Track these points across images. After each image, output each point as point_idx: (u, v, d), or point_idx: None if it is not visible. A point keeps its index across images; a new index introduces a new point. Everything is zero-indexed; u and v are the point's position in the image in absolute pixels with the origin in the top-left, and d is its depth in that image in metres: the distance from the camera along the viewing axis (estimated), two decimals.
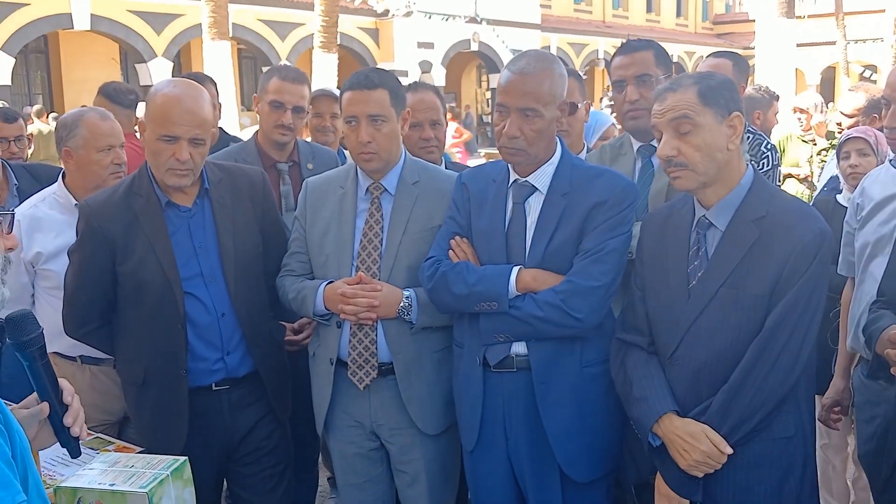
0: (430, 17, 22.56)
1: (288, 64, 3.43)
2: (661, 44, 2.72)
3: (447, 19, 23.15)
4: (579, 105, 3.03)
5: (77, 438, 1.55)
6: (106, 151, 2.84)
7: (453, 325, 2.45)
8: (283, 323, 2.88)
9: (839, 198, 3.36)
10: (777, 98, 5.42)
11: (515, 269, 2.25)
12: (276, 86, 3.14)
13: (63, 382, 1.55)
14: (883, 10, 28.17)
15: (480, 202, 2.38)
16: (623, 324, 2.25)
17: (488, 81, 27.47)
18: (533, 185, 2.31)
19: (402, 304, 2.41)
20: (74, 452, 1.57)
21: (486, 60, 25.86)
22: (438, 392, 2.50)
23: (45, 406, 1.51)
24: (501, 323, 2.25)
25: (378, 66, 2.63)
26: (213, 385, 2.52)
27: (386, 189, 2.53)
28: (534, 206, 2.31)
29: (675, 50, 29.04)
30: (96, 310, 2.54)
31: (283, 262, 2.65)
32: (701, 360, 2.02)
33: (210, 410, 2.51)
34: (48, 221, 2.80)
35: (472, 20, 23.67)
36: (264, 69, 21.73)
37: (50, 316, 2.64)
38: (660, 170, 2.58)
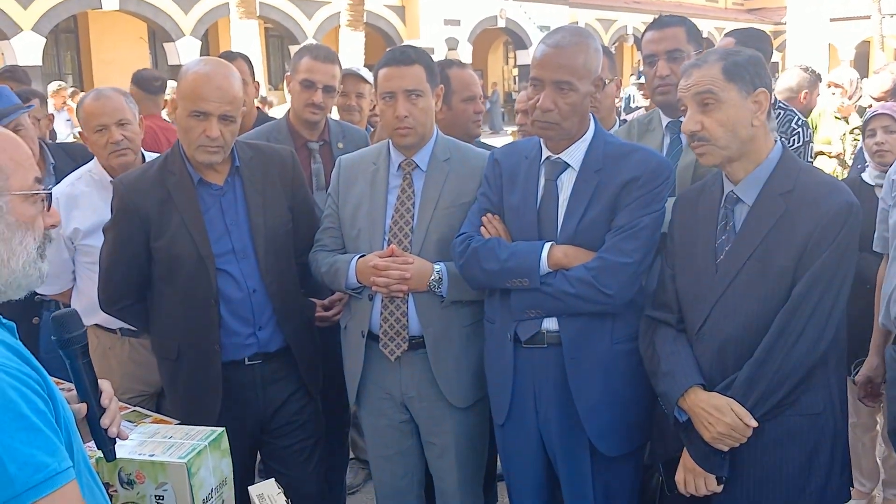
0: None
1: (319, 43, 3.40)
2: (691, 20, 2.71)
3: None
4: (608, 81, 3.03)
5: (113, 441, 1.56)
6: (101, 132, 2.85)
7: (484, 300, 2.48)
8: (313, 300, 2.93)
9: (864, 176, 3.32)
10: (820, 79, 5.34)
11: (547, 246, 2.27)
12: (307, 65, 3.17)
13: (103, 384, 1.57)
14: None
15: (512, 179, 2.40)
16: (653, 301, 2.27)
17: (515, 58, 27.27)
18: (566, 162, 2.32)
19: (432, 278, 2.45)
20: (110, 455, 1.56)
21: (514, 37, 25.65)
22: (467, 366, 2.54)
23: (83, 407, 1.52)
24: (533, 299, 2.28)
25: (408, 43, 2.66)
26: (246, 360, 2.58)
27: (418, 165, 2.56)
28: (566, 182, 2.32)
29: (705, 26, 28.51)
30: (131, 286, 2.61)
31: (315, 237, 2.70)
32: (727, 334, 2.04)
33: (243, 384, 2.58)
34: (85, 198, 2.87)
35: None
36: (291, 48, 21.71)
37: (91, 289, 2.72)
38: (688, 145, 2.58)
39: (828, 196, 1.97)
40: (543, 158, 2.36)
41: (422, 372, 2.52)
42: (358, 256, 2.54)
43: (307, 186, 2.87)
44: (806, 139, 3.31)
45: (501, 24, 24.51)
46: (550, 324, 2.32)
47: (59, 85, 11.05)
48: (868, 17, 24.47)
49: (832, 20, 12.83)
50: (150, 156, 2.93)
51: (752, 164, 2.05)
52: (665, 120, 2.68)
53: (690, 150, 2.54)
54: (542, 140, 2.37)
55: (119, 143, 2.85)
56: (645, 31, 2.71)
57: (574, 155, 2.32)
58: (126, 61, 18.12)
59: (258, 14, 13.71)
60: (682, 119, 2.63)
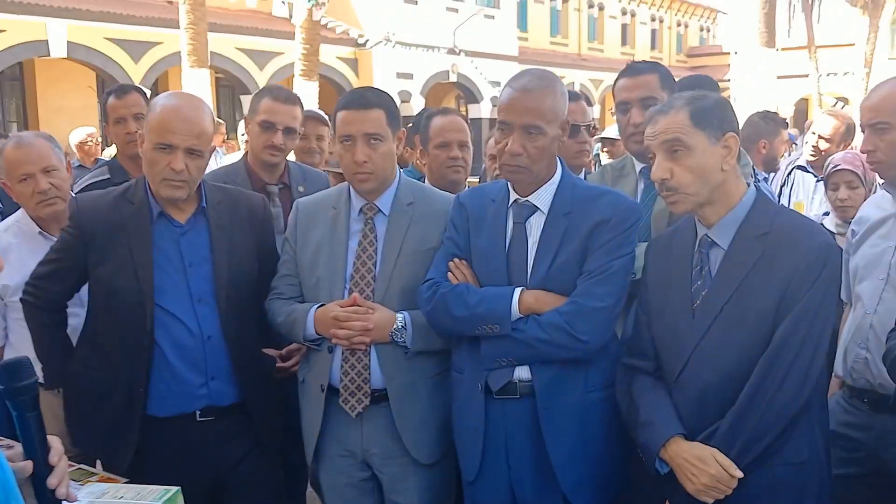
0: (409, 48, 22.73)
1: (280, 85, 3.31)
2: (664, 66, 2.69)
3: (427, 50, 23.34)
4: (591, 126, 3.06)
5: (60, 502, 1.43)
6: (25, 181, 2.72)
7: (452, 349, 2.39)
8: (268, 351, 2.79)
9: (826, 222, 3.34)
10: (786, 125, 5.33)
11: (518, 291, 2.19)
12: (267, 106, 3.09)
13: (52, 441, 1.44)
14: (853, 44, 29.01)
15: (479, 222, 2.33)
16: (628, 349, 2.20)
17: (467, 111, 27.65)
18: (534, 205, 2.27)
19: (395, 327, 2.35)
20: None
21: (465, 91, 26.03)
22: (433, 419, 2.42)
23: (29, 464, 1.39)
24: (504, 346, 2.19)
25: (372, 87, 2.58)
26: (198, 415, 2.42)
27: (380, 210, 2.47)
28: (535, 225, 2.26)
29: None
30: (55, 293, 2.51)
31: (271, 284, 2.58)
32: (707, 381, 1.97)
33: (195, 442, 2.42)
34: (14, 252, 2.71)
35: (452, 51, 23.88)
36: (243, 98, 21.48)
37: (25, 347, 2.56)
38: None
39: (806, 237, 1.93)
40: (511, 201, 2.30)
41: (384, 427, 2.40)
42: (317, 306, 2.43)
43: (275, 236, 2.76)
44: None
45: (453, 78, 24.88)
46: (523, 372, 2.23)
47: None
48: (806, 76, 25.49)
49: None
50: None
51: (725, 209, 2.02)
52: (639, 165, 2.66)
53: None
54: (509, 183, 2.31)
55: (46, 192, 2.71)
56: (617, 78, 2.68)
57: (542, 198, 2.26)
58: (74, 110, 17.76)
59: (210, 64, 13.63)
60: None
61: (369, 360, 2.37)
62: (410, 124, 3.55)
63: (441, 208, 2.47)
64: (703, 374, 1.98)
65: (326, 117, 3.80)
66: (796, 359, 1.88)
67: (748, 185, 2.06)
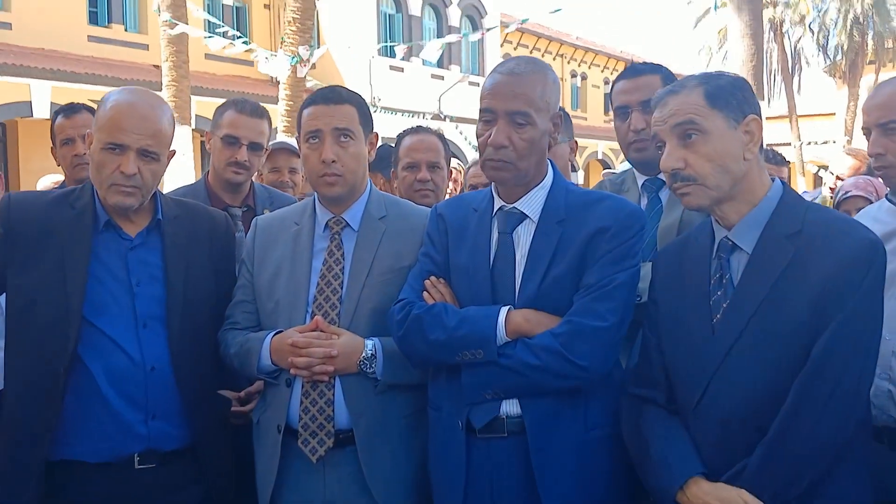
0: (395, 114, 22.85)
1: (245, 98, 3.03)
2: (667, 68, 2.43)
3: (412, 116, 23.49)
4: (564, 141, 2.73)
5: None
6: None
7: (428, 383, 2.06)
8: (225, 393, 2.45)
9: None
10: (787, 164, 5.12)
11: (504, 310, 1.89)
12: (230, 119, 2.83)
13: None
14: (833, 114, 29.56)
15: (460, 234, 2.03)
16: (636, 377, 1.89)
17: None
18: (522, 212, 1.98)
19: (363, 356, 2.04)
20: None
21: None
22: (407, 465, 2.10)
23: None
24: (488, 375, 1.87)
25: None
26: (136, 461, 2.07)
27: (348, 224, 2.19)
28: (523, 236, 1.97)
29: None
30: None
31: (226, 313, 2.28)
32: (731, 410, 1.66)
33: (131, 494, 2.06)
34: None
35: (437, 117, 24.05)
36: None
37: None
38: (669, 204, 2.28)
39: (846, 234, 1.64)
40: (496, 209, 2.01)
41: (350, 474, 2.07)
42: (273, 333, 2.13)
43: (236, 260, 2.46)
44: None
45: None
46: (511, 407, 1.90)
47: None
48: (788, 144, 25.79)
49: None
50: None
51: (747, 205, 1.73)
52: (641, 178, 2.38)
53: (672, 209, 2.24)
54: (493, 188, 2.03)
55: None
56: (615, 80, 2.43)
57: (531, 204, 1.97)
58: (56, 170, 17.53)
59: (194, 126, 13.50)
60: (660, 176, 2.34)
61: (333, 395, 2.06)
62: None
63: (417, 223, 2.19)
64: (726, 402, 1.66)
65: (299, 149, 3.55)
66: (840, 379, 1.57)
67: (772, 178, 1.78)
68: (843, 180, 4.14)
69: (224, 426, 2.31)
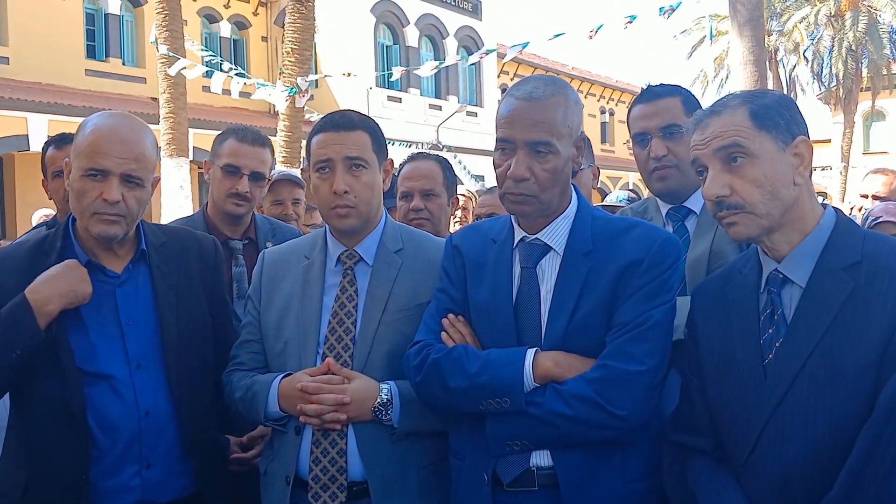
0: (393, 144, 22.85)
1: (247, 126, 2.89)
2: (687, 90, 2.29)
3: (410, 146, 23.49)
4: (585, 167, 2.60)
5: None
6: None
7: (450, 430, 1.91)
8: (228, 437, 2.30)
9: None
10: None
11: (531, 353, 1.74)
12: (231, 148, 2.69)
13: None
14: (829, 140, 29.64)
15: (478, 268, 1.89)
16: (677, 422, 1.74)
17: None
18: (546, 244, 1.83)
19: (378, 401, 1.89)
20: None
21: None
22: None
23: None
24: (516, 426, 1.72)
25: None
26: None
27: (362, 258, 2.05)
28: (548, 270, 1.82)
29: (633, 177, 29.59)
30: None
31: (231, 353, 2.13)
32: (789, 462, 1.50)
33: None
34: None
35: (435, 147, 24.07)
36: None
37: None
38: (697, 234, 2.13)
39: None
40: (517, 241, 1.87)
41: None
42: (282, 376, 1.98)
43: (227, 287, 2.32)
44: None
45: None
46: (541, 458, 1.74)
47: None
48: None
49: None
50: None
51: (799, 235, 1.59)
52: (664, 207, 2.23)
53: (701, 239, 2.10)
54: (513, 218, 1.89)
55: None
56: (632, 105, 2.28)
57: (555, 235, 1.83)
58: (51, 204, 17.42)
59: (192, 158, 13.41)
60: (686, 205, 2.20)
61: (346, 445, 1.91)
62: None
63: (435, 256, 2.05)
64: (783, 452, 1.50)
65: (303, 180, 3.43)
66: None
67: (823, 206, 1.64)
68: (880, 199, 4.01)
69: (225, 473, 2.16)
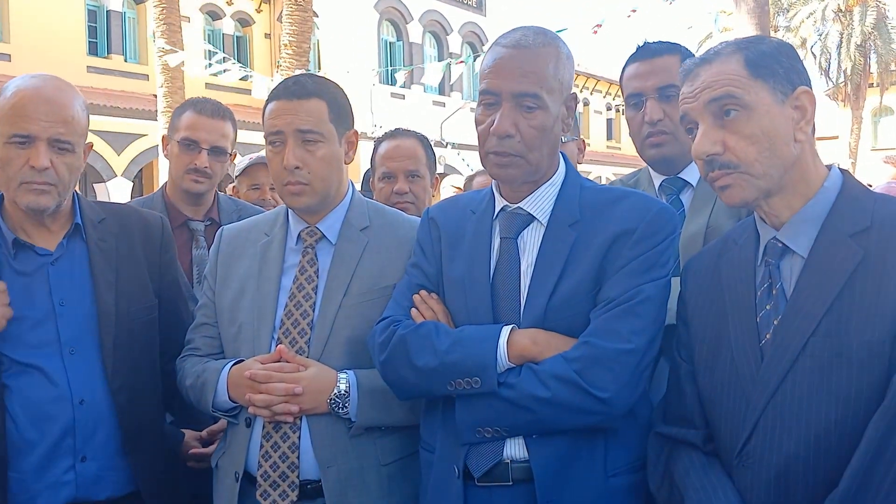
0: None
1: (207, 98, 2.69)
2: (686, 48, 2.08)
3: None
4: (568, 139, 2.41)
5: None
6: None
7: (421, 420, 1.75)
8: (188, 433, 2.14)
9: None
10: None
11: (506, 330, 1.57)
12: (189, 120, 2.52)
13: None
14: (837, 137, 29.38)
15: (455, 241, 1.72)
16: (665, 413, 1.56)
17: None
18: (528, 213, 1.66)
19: (335, 392, 1.73)
20: None
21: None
22: None
23: None
24: (487, 410, 1.54)
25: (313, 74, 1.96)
26: None
27: (324, 236, 1.89)
28: (530, 241, 1.65)
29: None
30: None
31: (186, 337, 1.98)
32: (788, 454, 1.32)
33: None
34: None
35: (438, 143, 23.97)
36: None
37: None
38: (693, 209, 1.96)
39: None
40: (498, 210, 1.69)
41: None
42: (233, 363, 1.81)
43: (179, 266, 2.15)
44: None
45: (440, 168, 24.81)
46: (515, 448, 1.57)
47: None
48: None
49: None
50: None
51: (801, 199, 1.41)
52: (658, 178, 2.05)
53: (697, 214, 1.92)
54: (494, 186, 1.71)
55: None
56: (626, 63, 2.08)
57: (540, 203, 1.66)
58: None
59: None
60: (681, 176, 2.02)
61: (299, 439, 1.74)
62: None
63: (406, 235, 1.89)
64: (781, 444, 1.32)
65: None
66: None
67: (828, 166, 1.46)
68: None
69: (173, 470, 2.00)
